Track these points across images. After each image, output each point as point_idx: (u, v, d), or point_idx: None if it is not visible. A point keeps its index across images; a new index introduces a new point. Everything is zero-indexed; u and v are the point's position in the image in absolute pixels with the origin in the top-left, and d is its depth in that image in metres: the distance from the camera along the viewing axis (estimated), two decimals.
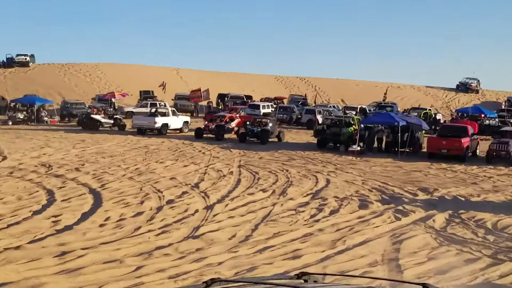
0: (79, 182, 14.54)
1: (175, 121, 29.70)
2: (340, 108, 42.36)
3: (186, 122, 30.55)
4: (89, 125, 30.29)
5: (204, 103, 41.63)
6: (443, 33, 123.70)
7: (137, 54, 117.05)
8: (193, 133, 28.16)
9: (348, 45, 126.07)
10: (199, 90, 39.83)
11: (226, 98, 43.97)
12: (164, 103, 37.45)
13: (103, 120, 30.64)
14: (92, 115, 31.02)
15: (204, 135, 27.43)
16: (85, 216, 10.83)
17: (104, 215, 10.97)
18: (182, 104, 42.26)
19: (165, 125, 28.83)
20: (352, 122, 25.51)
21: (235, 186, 14.72)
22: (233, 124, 28.19)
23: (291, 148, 24.54)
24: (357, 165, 20.14)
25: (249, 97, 46.75)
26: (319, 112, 35.37)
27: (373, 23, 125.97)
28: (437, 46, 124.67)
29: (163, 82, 46.28)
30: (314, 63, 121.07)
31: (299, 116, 37.20)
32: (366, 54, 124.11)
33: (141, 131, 28.54)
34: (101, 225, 10.25)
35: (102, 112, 32.18)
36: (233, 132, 28.09)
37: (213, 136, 27.25)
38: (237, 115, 30.40)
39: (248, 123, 27.28)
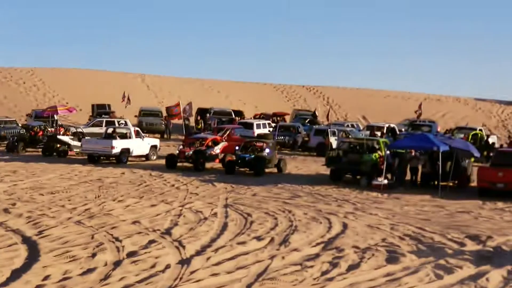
0: (8, 227, 14.48)
1: (140, 145, 29.78)
2: (361, 128, 42.67)
3: (154, 147, 30.63)
4: (54, 150, 30.59)
5: (180, 121, 41.89)
6: (499, 30, 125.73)
7: (89, 56, 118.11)
8: (163, 161, 28.25)
9: (371, 45, 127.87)
10: (178, 105, 40.16)
11: (208, 115, 44.26)
12: (125, 121, 37.61)
13: (72, 142, 30.89)
14: (58, 136, 31.24)
15: (179, 164, 27.52)
16: (16, 275, 10.77)
17: (42, 272, 10.92)
18: (149, 122, 42.53)
19: (126, 151, 28.90)
20: (377, 147, 25.65)
21: (220, 233, 14.71)
22: (218, 149, 28.32)
23: (295, 181, 24.57)
24: (383, 204, 20.21)
25: (238, 113, 47.08)
26: (333, 133, 35.61)
27: (402, 16, 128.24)
28: (491, 48, 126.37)
29: (124, 93, 46.56)
30: (326, 68, 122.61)
31: (306, 139, 37.45)
32: (395, 57, 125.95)
33: (93, 159, 28.62)
34: (38, 287, 10.19)
35: (67, 133, 32.24)
36: (217, 160, 28.20)
37: (191, 165, 27.34)
38: (224, 138, 30.57)
39: (237, 148, 27.43)
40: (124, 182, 22.79)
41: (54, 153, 30.67)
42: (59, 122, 38.45)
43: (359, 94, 68.91)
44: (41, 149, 31.44)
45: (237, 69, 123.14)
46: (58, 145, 30.75)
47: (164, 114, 43.62)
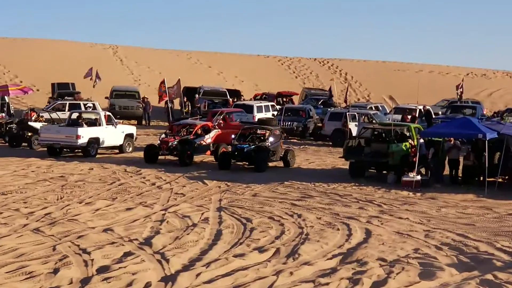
0: None
1: (112, 134, 29.71)
2: (388, 111, 42.62)
3: (130, 136, 30.58)
4: (24, 140, 30.61)
5: (163, 104, 41.78)
6: None
7: (47, 23, 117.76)
8: (141, 154, 28.26)
9: (398, 8, 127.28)
10: (163, 83, 39.99)
11: (196, 96, 44.23)
12: (93, 104, 37.53)
13: None
14: (29, 123, 31.22)
15: (161, 157, 27.50)
16: None
17: None
18: (124, 105, 42.54)
19: (95, 141, 28.85)
20: (408, 134, 25.63)
21: (213, 243, 14.71)
22: (209, 138, 28.31)
23: (306, 177, 24.55)
24: (416, 205, 20.20)
25: (235, 93, 47.06)
26: (353, 118, 35.56)
27: None
28: None
29: (91, 69, 46.44)
30: (343, 37, 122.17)
31: (319, 125, 37.34)
32: (428, 22, 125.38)
33: (54, 151, 28.59)
34: None
35: (40, 118, 32.08)
36: (208, 152, 28.20)
37: (176, 158, 27.36)
38: (216, 124, 30.51)
39: (233, 137, 27.42)
40: (93, 180, 22.75)
41: (24, 143, 30.62)
42: (11, 106, 38.44)
43: (385, 69, 68.86)
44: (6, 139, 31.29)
45: (232, 38, 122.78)
46: (30, 134, 30.69)
47: (142, 95, 43.57)
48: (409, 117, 37.12)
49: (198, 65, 65.48)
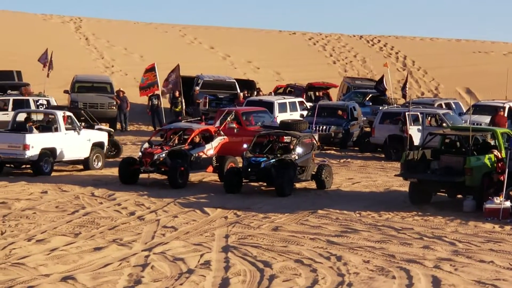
0: None
1: (74, 143, 29.84)
2: (465, 110, 42.48)
3: (99, 146, 30.74)
4: None
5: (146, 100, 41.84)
6: None
7: None
8: (115, 171, 28.35)
9: None
10: (151, 69, 39.99)
11: (196, 88, 44.23)
12: (48, 100, 37.59)
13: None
14: None
15: (143, 176, 27.64)
16: None
17: None
18: (91, 102, 42.79)
19: (50, 153, 28.99)
20: (493, 143, 25.58)
21: None
22: (211, 148, 28.41)
23: (348, 204, 24.59)
24: (504, 243, 20.12)
25: (248, 85, 47.22)
26: (415, 120, 35.54)
27: None
28: None
29: (46, 52, 46.60)
30: (400, 7, 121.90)
31: (367, 129, 37.39)
32: None
33: None
34: None
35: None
36: (210, 168, 28.31)
37: (164, 177, 27.44)
38: (221, 127, 30.48)
39: (246, 146, 27.44)
40: (47, 208, 22.83)
41: None
42: None
43: (460, 51, 68.66)
44: None
45: (243, 8, 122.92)
46: None
47: (117, 87, 43.65)
48: (505, 116, 36.86)
49: (196, 45, 65.54)
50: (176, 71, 40.29)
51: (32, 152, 28.34)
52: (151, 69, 40.16)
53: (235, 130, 31.11)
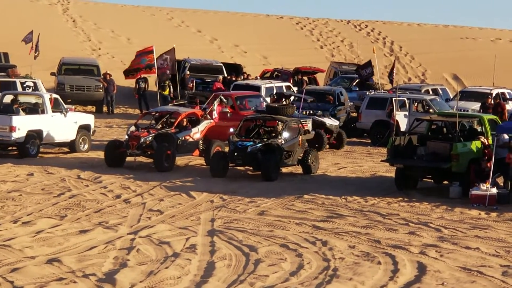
0: None
1: (60, 126, 29.78)
2: (451, 96, 42.52)
3: (85, 129, 30.66)
4: None
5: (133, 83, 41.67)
6: None
7: None
8: (101, 154, 28.29)
9: None
10: (150, 50, 39.72)
11: (187, 72, 44.12)
12: (34, 83, 37.46)
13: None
14: None
15: (129, 159, 27.62)
16: None
17: None
18: (77, 84, 42.64)
19: (36, 136, 28.92)
20: (480, 129, 25.57)
21: (202, 281, 14.73)
22: (197, 132, 28.38)
23: (334, 189, 24.61)
24: (490, 230, 20.14)
25: (235, 69, 47.13)
26: (402, 105, 35.55)
27: None
28: None
29: (32, 33, 46.38)
30: None
31: (354, 114, 37.38)
32: None
33: None
34: None
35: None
36: (196, 152, 28.31)
37: (150, 160, 27.44)
38: (208, 111, 30.36)
39: (232, 130, 27.39)
40: (33, 191, 22.81)
41: None
42: None
43: (447, 37, 68.69)
44: None
45: None
46: None
47: (103, 70, 43.52)
48: (476, 104, 36.99)
49: (183, 28, 65.40)
50: (171, 53, 40.02)
51: (19, 134, 28.33)
52: (149, 52, 39.84)
53: (229, 115, 30.97)
